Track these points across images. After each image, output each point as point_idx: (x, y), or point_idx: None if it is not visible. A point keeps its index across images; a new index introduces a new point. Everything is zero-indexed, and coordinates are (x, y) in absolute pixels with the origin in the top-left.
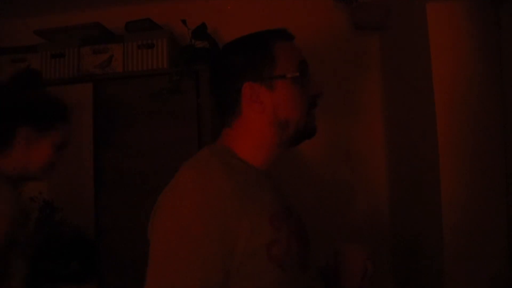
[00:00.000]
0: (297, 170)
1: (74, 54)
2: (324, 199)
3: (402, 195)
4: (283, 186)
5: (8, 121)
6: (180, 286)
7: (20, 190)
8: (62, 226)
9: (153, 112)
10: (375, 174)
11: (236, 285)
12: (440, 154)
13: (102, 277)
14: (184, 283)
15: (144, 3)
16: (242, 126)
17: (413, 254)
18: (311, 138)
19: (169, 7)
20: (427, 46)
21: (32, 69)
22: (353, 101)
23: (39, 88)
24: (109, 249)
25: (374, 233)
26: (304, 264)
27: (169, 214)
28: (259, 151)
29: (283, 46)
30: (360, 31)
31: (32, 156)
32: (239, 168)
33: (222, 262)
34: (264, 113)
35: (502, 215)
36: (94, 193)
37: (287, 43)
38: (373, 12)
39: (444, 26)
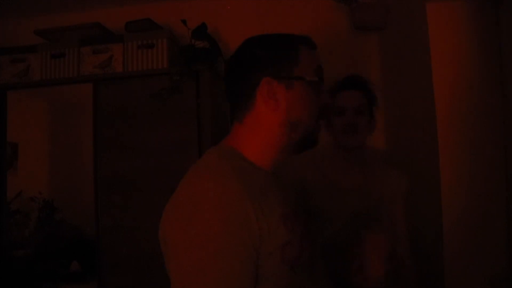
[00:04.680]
0: None
1: (74, 54)
2: None
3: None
4: (288, 186)
5: None
6: None
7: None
8: (62, 226)
9: (153, 112)
10: None
11: None
12: (440, 154)
13: (102, 277)
14: None
15: (144, 3)
16: (252, 122)
17: (413, 254)
18: (312, 147)
19: (169, 7)
20: (427, 46)
21: None
22: None
23: None
24: (109, 249)
25: None
26: (312, 266)
27: (189, 223)
28: (266, 151)
29: (306, 51)
30: (360, 31)
31: None
32: (247, 170)
33: (253, 265)
34: (277, 111)
35: (502, 215)
36: (94, 193)
37: (310, 50)
38: (373, 12)
39: (444, 26)
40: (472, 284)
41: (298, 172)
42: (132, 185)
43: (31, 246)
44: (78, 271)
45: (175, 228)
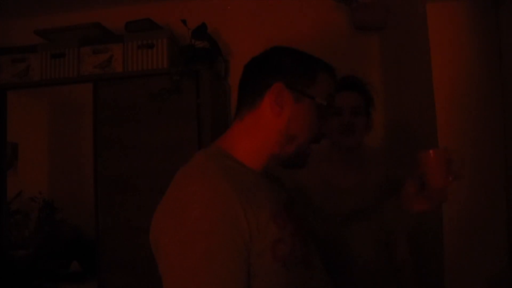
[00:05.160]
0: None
1: (74, 54)
2: None
3: None
4: (280, 185)
5: None
6: None
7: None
8: (62, 226)
9: (153, 112)
10: None
11: None
12: None
13: (102, 277)
14: None
15: (144, 3)
16: (252, 122)
17: (413, 254)
18: (298, 168)
19: (169, 7)
20: (427, 46)
21: None
22: None
23: None
24: (109, 249)
25: None
26: (307, 263)
27: (178, 224)
28: (257, 153)
29: (325, 77)
30: (360, 31)
31: None
32: (235, 169)
33: (244, 263)
34: (278, 118)
35: (502, 215)
36: (94, 193)
37: (329, 77)
38: (373, 12)
39: (444, 26)
40: (472, 284)
41: (295, 172)
42: (132, 185)
43: (31, 246)
44: (78, 271)
45: (164, 229)
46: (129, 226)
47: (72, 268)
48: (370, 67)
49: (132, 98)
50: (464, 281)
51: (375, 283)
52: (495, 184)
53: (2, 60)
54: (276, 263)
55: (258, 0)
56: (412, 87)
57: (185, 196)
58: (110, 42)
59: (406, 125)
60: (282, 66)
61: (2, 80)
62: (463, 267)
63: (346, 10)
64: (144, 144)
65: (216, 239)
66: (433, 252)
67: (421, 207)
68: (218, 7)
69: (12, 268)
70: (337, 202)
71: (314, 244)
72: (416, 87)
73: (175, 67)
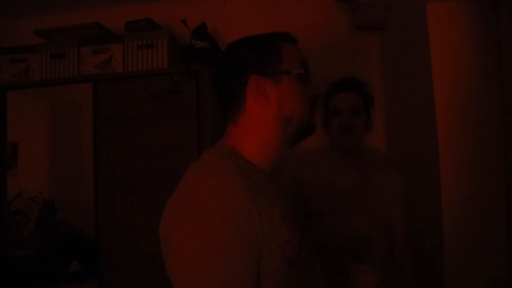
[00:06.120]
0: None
1: (74, 54)
2: None
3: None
4: (286, 186)
5: None
6: None
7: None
8: (62, 226)
9: (153, 112)
10: None
11: None
12: (440, 154)
13: (102, 277)
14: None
15: (144, 3)
16: (246, 122)
17: (413, 254)
18: (311, 135)
19: (169, 7)
20: (427, 46)
21: None
22: None
23: None
24: (109, 249)
25: None
26: (310, 264)
27: (192, 221)
28: (264, 150)
29: (288, 46)
30: (360, 31)
31: None
32: (246, 169)
33: (255, 263)
34: (269, 107)
35: (502, 215)
36: (94, 193)
37: (292, 44)
38: (373, 12)
39: (444, 26)
40: (472, 284)
41: (295, 173)
42: (132, 185)
43: (31, 246)
44: (78, 271)
45: (178, 225)
46: (129, 226)
47: (72, 268)
48: (370, 67)
49: (132, 98)
50: (464, 282)
51: None
52: (495, 185)
53: (2, 60)
54: (284, 264)
55: (258, 0)
56: (412, 87)
57: (200, 193)
58: (110, 42)
59: (406, 125)
60: (247, 59)
61: (2, 80)
62: (463, 268)
63: (346, 10)
64: (144, 144)
65: (229, 236)
66: (433, 252)
67: None
68: (218, 7)
69: (12, 268)
70: (337, 202)
71: (316, 246)
72: (416, 87)
73: (175, 67)
